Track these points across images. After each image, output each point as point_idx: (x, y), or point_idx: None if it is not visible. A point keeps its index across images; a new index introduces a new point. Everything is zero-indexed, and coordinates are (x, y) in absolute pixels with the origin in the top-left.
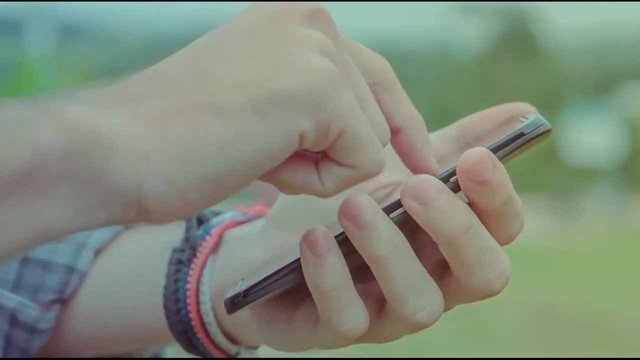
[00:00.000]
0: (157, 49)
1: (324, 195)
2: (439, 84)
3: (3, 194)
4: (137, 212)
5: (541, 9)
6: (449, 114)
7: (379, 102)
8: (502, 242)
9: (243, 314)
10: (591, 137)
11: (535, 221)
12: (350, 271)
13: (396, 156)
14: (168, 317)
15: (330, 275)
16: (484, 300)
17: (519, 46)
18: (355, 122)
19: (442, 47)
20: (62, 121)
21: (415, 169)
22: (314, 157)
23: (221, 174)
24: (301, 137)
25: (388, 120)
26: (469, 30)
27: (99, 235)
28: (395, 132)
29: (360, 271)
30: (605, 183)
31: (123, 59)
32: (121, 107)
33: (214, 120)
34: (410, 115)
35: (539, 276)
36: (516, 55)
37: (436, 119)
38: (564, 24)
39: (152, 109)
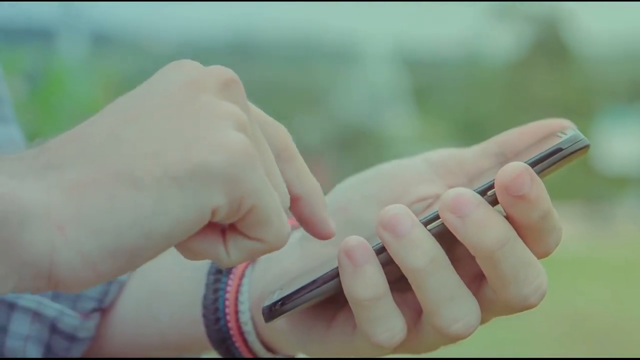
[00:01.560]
0: (185, 56)
1: (227, 265)
2: (471, 92)
3: None
4: (47, 282)
5: (573, 16)
6: (481, 121)
7: (280, 171)
8: (539, 256)
9: (281, 322)
10: (624, 145)
11: (567, 229)
12: (388, 281)
13: (433, 169)
14: (207, 326)
15: (368, 285)
16: None
17: (551, 53)
18: (267, 198)
19: (474, 55)
20: None
21: (315, 233)
22: (220, 228)
23: (135, 246)
24: (214, 211)
25: (288, 188)
26: (501, 37)
27: None
28: (294, 200)
29: (398, 281)
30: (637, 190)
31: (152, 67)
32: (38, 176)
33: (131, 191)
34: (308, 183)
35: (572, 284)
36: (548, 63)
37: (468, 127)
38: (596, 31)
39: (68, 178)
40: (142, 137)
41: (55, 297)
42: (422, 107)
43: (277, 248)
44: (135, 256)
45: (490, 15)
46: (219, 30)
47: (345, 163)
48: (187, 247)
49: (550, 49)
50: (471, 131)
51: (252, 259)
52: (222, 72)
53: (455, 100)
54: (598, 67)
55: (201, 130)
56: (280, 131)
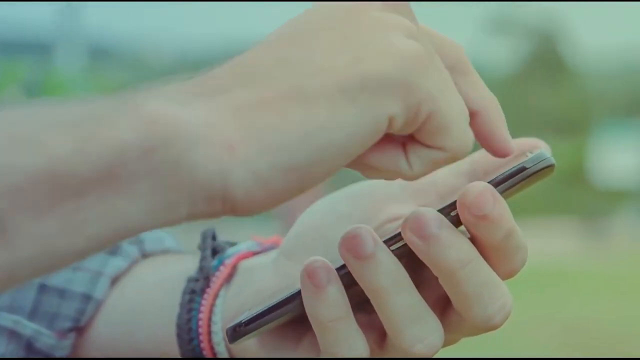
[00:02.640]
0: (183, 70)
1: (411, 178)
2: None
3: (82, 191)
4: (222, 204)
5: (570, 30)
6: None
7: (456, 85)
8: (504, 276)
9: (249, 342)
10: (620, 159)
11: (563, 243)
12: (354, 302)
13: (405, 189)
14: (181, 345)
15: (329, 306)
16: (511, 321)
17: (548, 67)
18: (444, 104)
19: None
20: (141, 116)
21: (494, 151)
22: (401, 140)
23: (308, 162)
24: (390, 120)
25: (467, 103)
26: (498, 51)
27: (115, 264)
28: (472, 115)
29: (364, 303)
30: (635, 205)
31: (150, 79)
32: (203, 99)
33: (301, 108)
34: (486, 97)
35: (567, 297)
36: (545, 76)
37: None
38: (593, 45)
39: (236, 99)
40: (309, 55)
41: (32, 317)
42: None
43: (460, 157)
44: (309, 172)
45: (488, 29)
46: (216, 42)
47: (334, 179)
48: (367, 163)
49: (548, 62)
50: None
51: (435, 169)
52: None
53: None
54: (595, 81)
55: (370, 41)
56: (455, 46)
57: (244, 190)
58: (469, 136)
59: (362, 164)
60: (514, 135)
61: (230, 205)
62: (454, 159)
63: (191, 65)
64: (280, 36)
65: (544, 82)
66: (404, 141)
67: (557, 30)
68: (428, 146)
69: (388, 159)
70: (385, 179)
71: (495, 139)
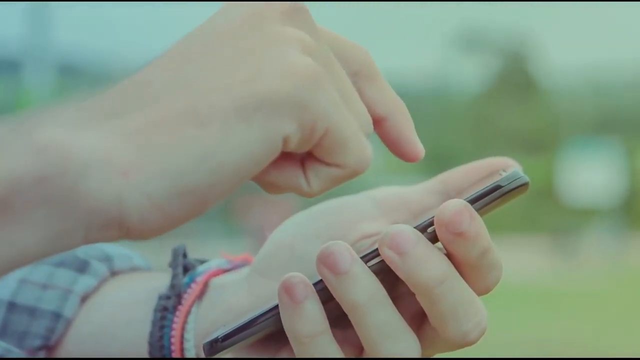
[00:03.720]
0: None
1: (310, 195)
2: (437, 123)
3: None
4: (118, 229)
5: (540, 49)
6: (447, 153)
7: (360, 91)
8: (479, 293)
9: (226, 357)
10: (589, 176)
11: (533, 260)
12: (331, 318)
13: (378, 207)
14: None
15: (307, 321)
16: (481, 339)
17: (517, 86)
18: (340, 120)
19: (441, 87)
20: (33, 144)
21: (403, 155)
22: (299, 157)
23: (203, 185)
24: (285, 140)
25: (371, 109)
26: (468, 70)
27: (85, 283)
28: (379, 121)
29: (340, 318)
30: (604, 222)
31: None
32: (97, 123)
33: (195, 130)
34: (393, 102)
35: (537, 315)
36: (515, 95)
37: (434, 158)
38: (562, 64)
39: (129, 122)
40: (203, 74)
41: (2, 335)
42: None
43: (358, 173)
44: (205, 195)
45: (457, 47)
46: None
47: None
48: (266, 180)
49: (517, 81)
50: (437, 163)
51: (333, 186)
52: (284, 2)
53: (421, 132)
54: (564, 99)
55: (264, 59)
56: (359, 50)
57: (139, 215)
58: (368, 152)
59: (261, 181)
60: (484, 154)
61: (126, 230)
62: (352, 175)
63: None
64: (176, 53)
65: (513, 101)
66: (302, 158)
67: (527, 49)
68: (326, 163)
69: (286, 176)
70: (286, 193)
71: (403, 144)
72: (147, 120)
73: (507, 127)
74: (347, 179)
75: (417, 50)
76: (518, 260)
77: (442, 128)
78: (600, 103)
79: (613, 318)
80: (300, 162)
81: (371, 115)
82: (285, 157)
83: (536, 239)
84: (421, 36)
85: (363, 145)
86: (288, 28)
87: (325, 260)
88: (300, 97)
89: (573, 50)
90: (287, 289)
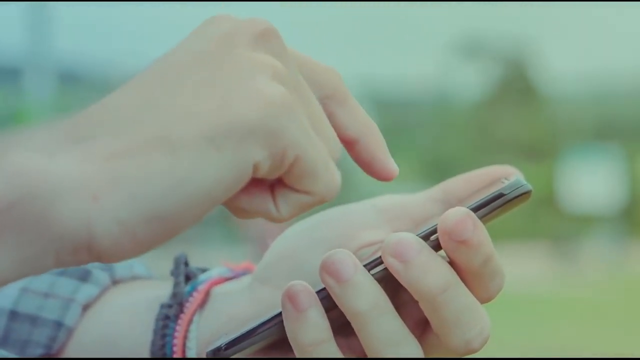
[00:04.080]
0: None
1: (278, 220)
2: (438, 131)
3: None
4: (88, 254)
5: (540, 56)
6: (448, 160)
7: (331, 115)
8: (482, 301)
9: None
10: (590, 183)
11: (533, 267)
12: (334, 326)
13: (379, 215)
14: None
15: (310, 329)
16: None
17: (518, 93)
18: (310, 148)
19: (441, 94)
20: (7, 169)
21: (376, 176)
22: (269, 183)
23: (173, 211)
24: (255, 167)
25: (343, 132)
26: (468, 77)
27: (86, 291)
28: (351, 144)
29: (343, 326)
30: (604, 229)
31: None
32: (69, 148)
33: (166, 157)
34: (364, 125)
35: (537, 322)
36: (515, 102)
37: (435, 166)
38: (562, 71)
39: (101, 147)
40: (174, 99)
41: (3, 344)
42: (390, 147)
43: (327, 200)
44: (176, 220)
45: (458, 55)
46: None
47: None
48: (235, 205)
49: (517, 88)
50: (438, 170)
51: (302, 212)
52: (256, 23)
53: (422, 139)
54: (564, 107)
55: (235, 86)
56: (330, 74)
57: (109, 240)
58: (336, 179)
59: (230, 206)
60: (484, 161)
61: (97, 254)
62: (321, 202)
63: None
64: (148, 77)
65: (513, 108)
66: (272, 184)
67: (527, 57)
68: (295, 190)
69: (256, 202)
70: (254, 218)
71: (376, 165)
72: (118, 146)
73: (507, 135)
74: (316, 205)
75: (417, 58)
76: (518, 267)
77: (443, 135)
78: (600, 110)
79: (614, 325)
80: (270, 188)
81: (343, 138)
82: (255, 183)
83: (537, 246)
84: (421, 43)
85: (332, 173)
86: (260, 54)
87: (328, 268)
88: (271, 125)
89: (573, 57)
90: (290, 297)
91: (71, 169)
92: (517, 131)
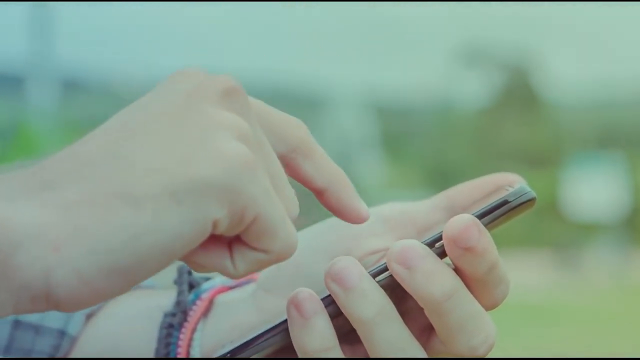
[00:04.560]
0: None
1: (234, 277)
2: (441, 139)
3: None
4: (46, 302)
5: (543, 64)
6: (451, 168)
7: (298, 167)
8: (487, 308)
9: None
10: (593, 192)
11: (536, 275)
12: (339, 333)
13: (383, 223)
14: None
15: (316, 336)
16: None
17: (520, 101)
18: (270, 208)
19: (444, 102)
20: None
21: (348, 221)
22: (227, 239)
23: (132, 264)
24: (215, 223)
25: (311, 183)
26: (471, 85)
27: None
28: (320, 193)
29: (348, 334)
30: (607, 237)
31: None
32: (32, 195)
33: (128, 210)
34: (331, 173)
35: (540, 331)
36: (518, 110)
37: (438, 173)
38: (565, 79)
39: (64, 197)
40: (139, 152)
41: (7, 352)
42: (393, 154)
43: (284, 258)
44: (134, 273)
45: (460, 63)
46: None
47: (314, 210)
48: (193, 260)
49: (520, 96)
50: (442, 178)
51: (258, 269)
52: (222, 81)
53: (425, 147)
54: (567, 115)
55: (199, 143)
56: (295, 127)
57: (67, 291)
58: (293, 239)
59: (187, 260)
60: (487, 168)
61: (54, 304)
62: (277, 260)
63: None
64: (114, 128)
65: (516, 115)
66: (230, 241)
67: (530, 64)
68: (253, 248)
69: (213, 258)
70: (211, 272)
71: (346, 212)
72: (80, 196)
73: (510, 142)
74: (273, 263)
75: (420, 66)
76: (521, 274)
77: (446, 143)
78: (603, 118)
79: (616, 333)
80: (228, 244)
81: (311, 188)
82: (213, 239)
83: (539, 254)
84: (425, 51)
85: (290, 232)
86: (224, 112)
87: (334, 275)
88: (232, 184)
89: (576, 65)
90: (296, 304)
91: (34, 218)
92: (520, 139)
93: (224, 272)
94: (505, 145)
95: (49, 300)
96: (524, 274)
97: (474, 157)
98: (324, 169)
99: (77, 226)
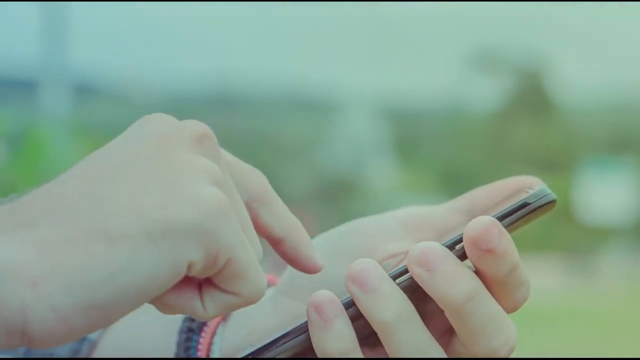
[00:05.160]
0: (170, 106)
1: (204, 319)
2: (454, 143)
3: None
4: (20, 338)
5: (555, 67)
6: (464, 172)
7: (257, 216)
8: (508, 310)
9: None
10: (605, 196)
11: (549, 280)
12: (359, 336)
13: (402, 227)
14: None
15: (337, 339)
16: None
17: (533, 104)
18: (242, 252)
19: (456, 106)
20: None
21: (304, 270)
22: (197, 281)
23: (109, 302)
24: (189, 265)
25: (269, 232)
26: (483, 88)
27: None
28: (277, 242)
29: (369, 336)
30: (620, 241)
31: (137, 117)
32: (10, 232)
33: (105, 248)
34: (289, 224)
35: (552, 335)
36: (531, 114)
37: (451, 178)
38: (578, 83)
39: (42, 235)
40: (116, 194)
41: (27, 355)
42: (405, 158)
43: (254, 302)
44: (109, 311)
45: (473, 66)
46: (202, 80)
47: (328, 214)
48: (163, 301)
49: (533, 100)
50: (454, 182)
51: (228, 312)
52: (195, 127)
53: (438, 151)
54: (580, 119)
55: (175, 186)
56: (257, 177)
57: (42, 326)
58: (263, 283)
59: (157, 302)
60: (500, 173)
61: (28, 339)
62: (247, 304)
63: (177, 101)
64: (89, 167)
65: (529, 119)
66: (200, 282)
67: (542, 68)
68: (223, 290)
69: (183, 299)
70: (179, 314)
71: (301, 261)
72: (58, 235)
73: (522, 146)
74: (242, 306)
75: (432, 70)
76: (534, 278)
77: (458, 147)
78: (616, 122)
79: (629, 337)
80: (198, 286)
81: (269, 237)
82: (185, 280)
83: (553, 258)
84: (436, 55)
85: (260, 276)
86: (198, 157)
87: (354, 278)
88: (208, 226)
89: (589, 69)
90: (316, 307)
91: (12, 254)
92: (532, 143)
93: (194, 314)
94: (518, 149)
95: (24, 336)
96: (537, 277)
97: (486, 161)
98: (283, 218)
99: (54, 264)
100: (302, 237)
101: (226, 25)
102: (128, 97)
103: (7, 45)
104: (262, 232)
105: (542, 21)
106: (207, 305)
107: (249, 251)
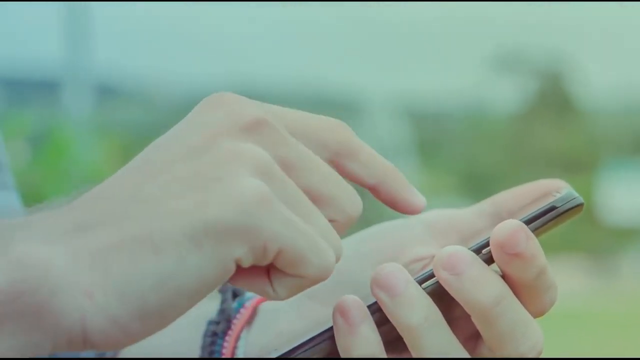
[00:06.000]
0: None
1: (279, 300)
2: (475, 145)
3: None
4: (83, 345)
5: (577, 69)
6: (485, 174)
7: (344, 169)
8: (535, 315)
9: None
10: (628, 197)
11: (572, 282)
12: (385, 341)
13: (428, 230)
14: None
15: (362, 344)
16: None
17: (554, 106)
18: (293, 238)
19: (478, 108)
20: (10, 260)
21: (405, 212)
22: (265, 267)
23: (163, 306)
24: (238, 261)
25: (361, 182)
26: (505, 90)
27: None
28: (372, 190)
29: (395, 342)
30: None
31: (160, 118)
32: (67, 238)
33: (151, 255)
34: (379, 171)
35: (575, 337)
36: (552, 115)
37: (472, 180)
38: (600, 84)
39: (95, 240)
40: (160, 194)
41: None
42: (427, 160)
43: (322, 279)
44: (164, 315)
45: (494, 68)
46: (225, 82)
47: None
48: (235, 285)
49: (554, 101)
50: (476, 184)
51: (300, 292)
52: (247, 112)
53: (459, 153)
54: (602, 120)
55: (215, 183)
56: (335, 129)
57: (102, 334)
58: (329, 260)
59: (233, 284)
60: (521, 175)
61: (91, 346)
62: (315, 282)
63: (199, 101)
64: (141, 164)
65: (551, 121)
66: (267, 267)
67: (564, 69)
68: (288, 274)
69: (253, 284)
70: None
71: (399, 205)
72: (108, 240)
73: (544, 148)
74: (313, 285)
75: (454, 71)
76: (557, 280)
77: (479, 149)
78: (638, 124)
79: None
80: (266, 270)
81: (364, 186)
82: (252, 267)
83: (575, 260)
84: (458, 57)
85: (323, 255)
86: (245, 145)
87: (380, 282)
88: (248, 223)
89: (611, 70)
90: (342, 312)
91: (69, 263)
92: (554, 144)
93: (267, 297)
94: (540, 151)
95: (86, 343)
96: (560, 279)
97: (507, 162)
98: (372, 166)
99: (106, 272)
100: (396, 181)
101: (250, 27)
102: (150, 98)
103: (30, 46)
104: (355, 182)
105: (563, 22)
106: (276, 288)
107: (303, 235)
